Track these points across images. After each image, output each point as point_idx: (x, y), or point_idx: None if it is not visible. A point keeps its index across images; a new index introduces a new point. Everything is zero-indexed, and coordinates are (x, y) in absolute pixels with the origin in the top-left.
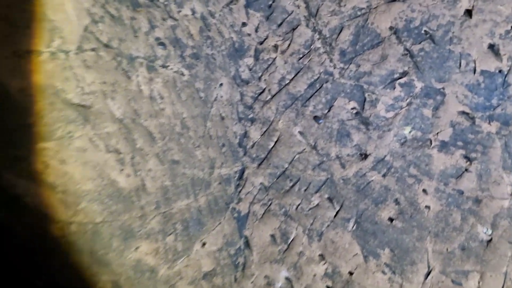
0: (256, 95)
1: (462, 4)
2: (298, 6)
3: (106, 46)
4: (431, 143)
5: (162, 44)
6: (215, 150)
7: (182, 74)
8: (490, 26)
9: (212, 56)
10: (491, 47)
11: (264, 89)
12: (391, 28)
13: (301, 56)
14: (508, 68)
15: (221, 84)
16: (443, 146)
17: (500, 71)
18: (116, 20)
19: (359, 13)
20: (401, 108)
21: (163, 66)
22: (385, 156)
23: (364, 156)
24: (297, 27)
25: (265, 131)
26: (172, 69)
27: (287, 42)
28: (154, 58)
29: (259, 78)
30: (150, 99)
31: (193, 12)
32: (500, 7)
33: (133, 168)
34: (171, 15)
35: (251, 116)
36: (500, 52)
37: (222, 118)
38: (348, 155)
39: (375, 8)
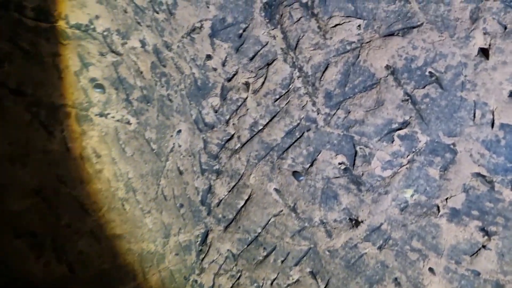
0: (223, 142)
1: (476, 41)
2: (274, 37)
3: (15, 92)
4: (438, 211)
5: (99, 86)
6: (171, 213)
7: (128, 123)
8: None
9: (168, 97)
10: None
11: (233, 135)
12: (388, 67)
13: (277, 97)
14: None
15: (179, 131)
16: (454, 215)
17: None
18: (31, 58)
19: (348, 48)
20: (401, 166)
21: (101, 115)
22: (381, 224)
23: (355, 223)
24: (272, 62)
25: (233, 187)
26: (114, 117)
27: (261, 80)
28: (88, 105)
29: (227, 122)
30: (81, 160)
31: (143, 44)
32: None
33: (54, 254)
34: (113, 49)
35: (216, 167)
36: None
37: (181, 173)
38: (335, 221)
39: (368, 42)
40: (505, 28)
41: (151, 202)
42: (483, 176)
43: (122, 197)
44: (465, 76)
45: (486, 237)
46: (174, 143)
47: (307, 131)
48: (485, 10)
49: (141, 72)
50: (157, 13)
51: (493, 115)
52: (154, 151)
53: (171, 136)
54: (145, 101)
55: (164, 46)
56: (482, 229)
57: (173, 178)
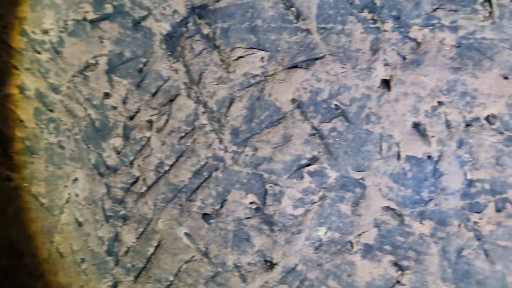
0: (128, 186)
1: (377, 73)
2: (176, 71)
3: None
4: (352, 247)
5: None
6: (69, 272)
7: (8, 179)
8: (413, 101)
9: (59, 144)
10: (416, 126)
11: (138, 178)
12: (293, 101)
13: (182, 135)
14: (439, 153)
15: (75, 180)
16: (368, 251)
17: (429, 157)
18: None
19: (252, 81)
20: (313, 203)
21: None
22: (296, 265)
23: (270, 266)
24: (176, 98)
25: (141, 233)
26: None
27: (164, 117)
28: None
29: (131, 164)
30: None
31: (22, 89)
32: (423, 78)
33: None
34: None
35: (122, 213)
36: (428, 133)
37: (80, 224)
38: (249, 264)
39: (272, 75)
40: (404, 58)
41: (43, 263)
42: (393, 210)
43: (5, 264)
44: (370, 108)
45: (399, 272)
46: (70, 193)
47: (215, 170)
48: (384, 41)
49: (21, 121)
50: (39, 53)
51: (398, 147)
52: (44, 205)
53: (65, 186)
54: (29, 153)
55: (50, 89)
56: (396, 264)
57: (70, 232)
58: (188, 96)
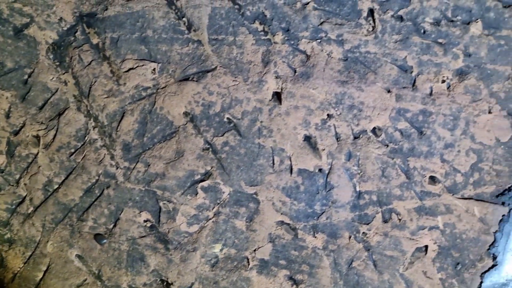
0: (14, 207)
1: (269, 85)
2: (65, 82)
3: None
4: (248, 263)
5: None
6: None
7: None
8: (304, 114)
9: None
10: (307, 139)
11: (24, 197)
12: (186, 114)
13: (72, 151)
14: (329, 166)
15: None
16: (264, 267)
17: (320, 170)
18: None
19: (144, 94)
20: (208, 219)
21: None
22: (192, 283)
23: (166, 286)
24: (64, 111)
25: (29, 257)
26: None
27: (52, 132)
28: None
29: (17, 183)
30: None
31: None
32: (312, 91)
33: None
34: None
35: (7, 236)
36: (318, 147)
37: None
38: (144, 285)
39: (163, 88)
40: (295, 71)
41: None
42: (287, 224)
43: None
44: (261, 122)
45: (294, 286)
46: None
47: (107, 188)
48: (275, 53)
49: None
50: None
51: (290, 161)
52: None
53: None
54: None
55: None
56: (291, 278)
57: None
58: (78, 109)
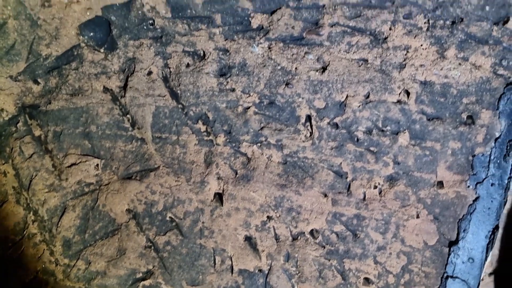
0: None
1: (211, 186)
2: (5, 173)
3: None
4: None
5: None
6: None
7: None
8: (245, 216)
9: None
10: (248, 240)
11: None
12: (129, 211)
13: (9, 244)
14: (269, 267)
15: None
16: None
17: (260, 270)
18: None
19: (86, 190)
20: None
21: None
22: None
23: None
24: (3, 204)
25: None
26: None
27: None
28: None
29: None
30: None
31: None
32: (253, 193)
33: None
34: None
35: None
36: (258, 248)
37: None
38: None
39: (106, 185)
40: (236, 173)
41: None
42: None
43: None
44: (203, 222)
45: None
46: None
47: (46, 286)
48: (217, 155)
49: None
50: None
51: (231, 261)
52: None
53: None
54: None
55: None
56: None
57: None
58: (17, 202)
